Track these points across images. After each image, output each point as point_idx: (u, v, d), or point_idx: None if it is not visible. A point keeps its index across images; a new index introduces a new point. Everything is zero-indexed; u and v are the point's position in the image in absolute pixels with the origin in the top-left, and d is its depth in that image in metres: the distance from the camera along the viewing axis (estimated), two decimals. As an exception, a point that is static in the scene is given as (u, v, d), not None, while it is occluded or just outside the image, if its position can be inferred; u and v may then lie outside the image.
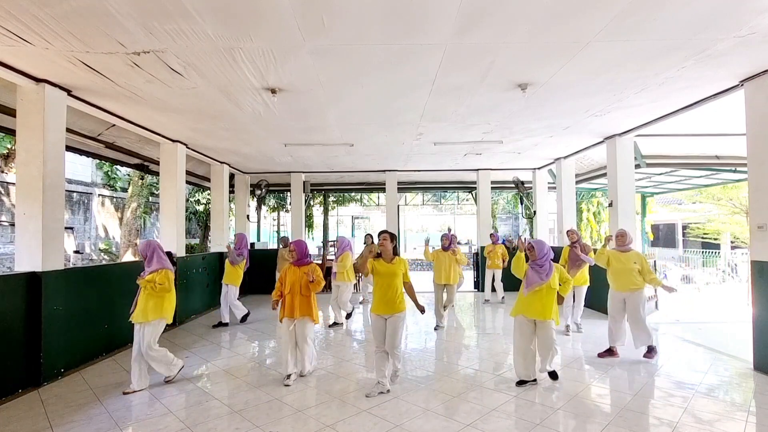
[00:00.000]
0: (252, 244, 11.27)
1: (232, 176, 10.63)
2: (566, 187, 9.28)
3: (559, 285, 4.23)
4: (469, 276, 11.45)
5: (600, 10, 3.20)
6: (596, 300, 7.65)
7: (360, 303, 9.19)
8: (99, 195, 16.67)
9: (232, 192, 11.00)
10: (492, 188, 11.25)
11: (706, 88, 4.84)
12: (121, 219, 16.73)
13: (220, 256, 8.99)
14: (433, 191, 18.66)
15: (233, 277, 6.93)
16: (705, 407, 3.68)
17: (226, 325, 6.93)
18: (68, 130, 5.20)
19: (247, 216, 10.93)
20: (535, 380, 4.18)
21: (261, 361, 5.22)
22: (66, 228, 14.20)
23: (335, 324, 6.96)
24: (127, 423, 3.49)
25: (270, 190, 11.83)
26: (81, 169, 15.60)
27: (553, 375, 4.30)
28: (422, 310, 4.17)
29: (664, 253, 18.93)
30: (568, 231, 6.41)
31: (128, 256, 13.68)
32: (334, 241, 16.79)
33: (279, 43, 3.67)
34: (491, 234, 9.53)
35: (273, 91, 4.77)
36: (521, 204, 12.27)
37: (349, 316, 7.35)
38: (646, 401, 3.83)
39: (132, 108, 5.39)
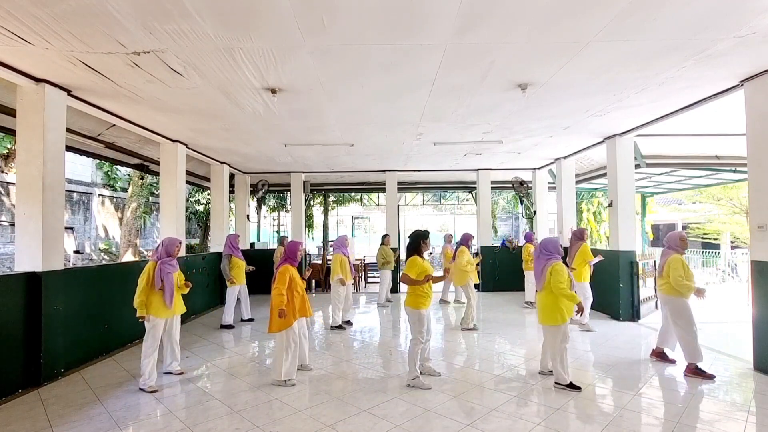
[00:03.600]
0: (252, 244, 11.28)
1: (232, 176, 10.63)
2: (566, 187, 9.29)
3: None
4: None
5: (600, 10, 3.20)
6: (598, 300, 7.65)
7: (383, 304, 8.92)
8: (99, 195, 16.66)
9: (232, 192, 11.00)
10: (492, 188, 11.25)
11: (706, 88, 4.84)
12: (121, 219, 16.73)
13: (220, 256, 8.99)
14: (433, 191, 18.64)
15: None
16: (705, 407, 3.68)
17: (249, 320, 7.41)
18: (68, 130, 5.21)
19: (247, 216, 10.93)
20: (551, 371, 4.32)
21: (261, 361, 5.21)
22: (66, 228, 14.21)
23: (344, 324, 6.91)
24: (127, 423, 3.49)
25: (270, 190, 11.84)
26: (81, 169, 15.58)
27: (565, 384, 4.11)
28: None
29: (665, 253, 18.88)
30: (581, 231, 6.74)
31: (128, 256, 13.67)
32: (332, 241, 16.87)
33: (279, 43, 3.67)
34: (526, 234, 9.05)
35: (273, 91, 4.77)
36: (521, 204, 12.26)
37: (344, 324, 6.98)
38: (646, 401, 3.83)
39: (132, 108, 5.39)
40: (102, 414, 3.65)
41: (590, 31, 3.50)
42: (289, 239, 9.38)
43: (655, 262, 8.57)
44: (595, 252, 6.96)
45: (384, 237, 9.36)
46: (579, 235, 6.68)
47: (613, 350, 5.33)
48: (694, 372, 4.40)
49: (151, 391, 4.13)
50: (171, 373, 4.59)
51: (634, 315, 7.03)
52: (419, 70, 4.31)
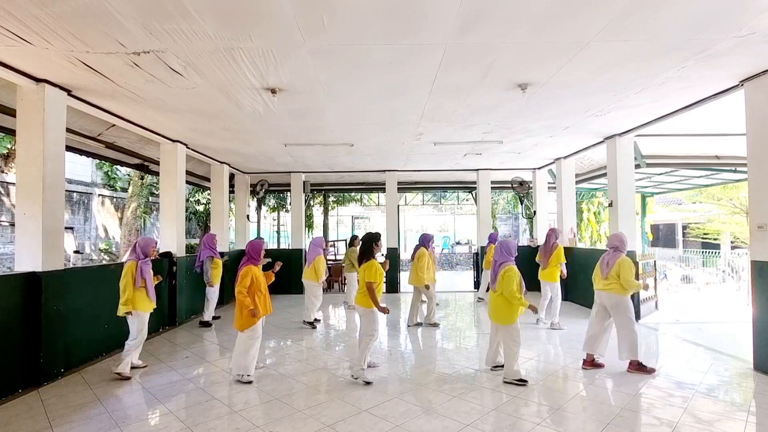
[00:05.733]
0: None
1: (232, 176, 10.62)
2: (566, 187, 9.28)
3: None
4: (468, 275, 11.47)
5: (600, 10, 3.20)
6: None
7: (349, 306, 8.58)
8: (99, 195, 16.66)
9: (232, 192, 11.00)
10: (492, 188, 11.24)
11: (706, 88, 4.84)
12: (121, 219, 16.72)
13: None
14: (433, 191, 18.63)
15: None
16: (705, 407, 3.68)
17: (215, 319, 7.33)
18: (68, 130, 5.20)
19: (247, 216, 10.93)
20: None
21: (260, 360, 5.20)
22: (66, 228, 14.20)
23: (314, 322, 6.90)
24: (127, 423, 3.49)
25: (270, 190, 11.83)
26: (81, 169, 15.58)
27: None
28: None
29: (664, 253, 18.91)
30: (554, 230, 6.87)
31: (128, 256, 13.68)
32: (333, 241, 16.91)
33: (279, 43, 3.67)
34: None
35: (273, 91, 4.77)
36: (521, 204, 12.25)
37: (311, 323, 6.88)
38: (646, 401, 3.83)
39: (132, 108, 5.39)
40: (102, 414, 3.65)
41: (590, 31, 3.50)
42: (263, 241, 9.04)
43: (654, 262, 8.58)
44: (569, 252, 7.15)
45: (353, 238, 8.74)
46: (555, 236, 6.76)
47: (612, 350, 5.32)
48: (638, 368, 4.54)
49: (126, 378, 4.47)
50: (137, 367, 4.78)
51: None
52: (419, 70, 4.31)
